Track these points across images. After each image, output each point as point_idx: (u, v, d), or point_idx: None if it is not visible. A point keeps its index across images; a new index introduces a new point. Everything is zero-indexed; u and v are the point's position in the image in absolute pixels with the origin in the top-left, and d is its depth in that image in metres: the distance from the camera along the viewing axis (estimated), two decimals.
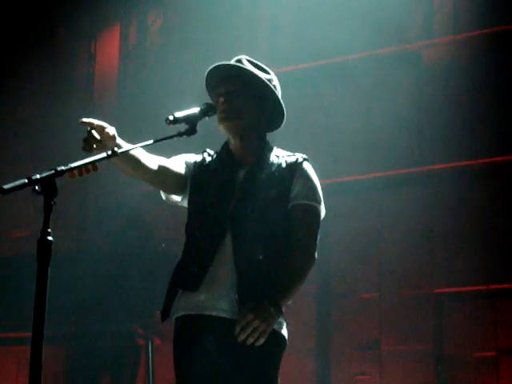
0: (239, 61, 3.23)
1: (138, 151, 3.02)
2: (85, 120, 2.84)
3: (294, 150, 3.30)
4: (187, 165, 3.24)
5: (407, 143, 6.83)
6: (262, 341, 2.88)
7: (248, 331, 2.86)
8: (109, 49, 8.53)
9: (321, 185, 3.21)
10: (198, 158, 3.28)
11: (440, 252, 6.62)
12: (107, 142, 2.84)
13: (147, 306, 6.09)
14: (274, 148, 3.26)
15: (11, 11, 8.43)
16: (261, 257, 2.99)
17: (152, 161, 3.08)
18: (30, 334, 2.37)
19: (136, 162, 3.00)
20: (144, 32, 8.53)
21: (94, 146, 2.80)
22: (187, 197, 3.23)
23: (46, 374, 2.38)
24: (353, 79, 7.13)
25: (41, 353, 2.35)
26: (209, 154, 3.27)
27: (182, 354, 3.06)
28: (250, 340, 2.87)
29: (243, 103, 3.15)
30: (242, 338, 2.87)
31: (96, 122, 2.86)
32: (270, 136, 3.34)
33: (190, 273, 3.07)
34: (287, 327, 3.10)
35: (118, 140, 2.91)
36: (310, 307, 6.78)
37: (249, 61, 3.24)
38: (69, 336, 6.58)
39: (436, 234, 6.66)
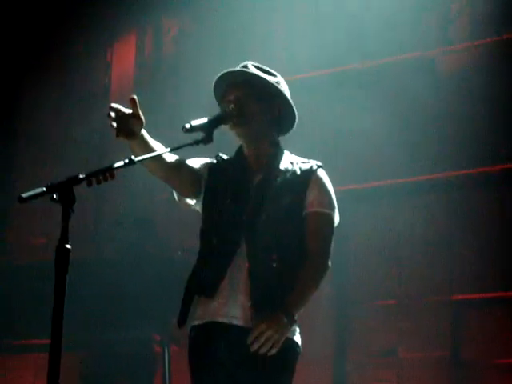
0: (245, 66, 3.24)
1: (156, 145, 3.03)
2: (113, 105, 2.91)
3: (307, 158, 3.29)
4: (202, 167, 3.24)
5: (423, 150, 6.81)
6: (274, 351, 2.88)
7: (261, 341, 2.86)
8: (125, 58, 8.55)
9: (337, 192, 3.20)
10: (211, 161, 3.28)
11: (458, 258, 6.59)
12: (135, 127, 2.92)
13: (163, 312, 6.08)
14: (288, 154, 3.25)
15: (29, 21, 8.48)
16: (275, 265, 2.99)
17: (169, 155, 3.11)
18: (46, 342, 2.38)
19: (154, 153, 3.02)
20: (160, 41, 8.55)
21: (124, 131, 2.89)
22: (201, 201, 3.23)
23: (62, 381, 2.38)
24: (368, 86, 7.11)
25: (59, 360, 2.36)
26: (222, 159, 3.27)
27: (197, 364, 3.07)
28: (263, 350, 2.86)
29: (252, 108, 3.16)
30: (254, 347, 2.86)
31: (123, 109, 2.93)
32: (282, 142, 3.33)
33: (204, 279, 3.07)
34: (300, 333, 3.09)
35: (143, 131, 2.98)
36: (327, 314, 6.76)
37: (254, 66, 3.24)
38: (85, 343, 6.59)
39: (454, 240, 6.63)
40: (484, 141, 6.69)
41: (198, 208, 3.26)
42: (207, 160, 3.28)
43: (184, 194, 3.22)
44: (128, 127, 2.93)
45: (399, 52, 7.08)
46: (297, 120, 3.28)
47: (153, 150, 3.02)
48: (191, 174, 3.19)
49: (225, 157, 3.29)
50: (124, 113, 2.93)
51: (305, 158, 3.26)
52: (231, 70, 3.21)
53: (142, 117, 2.99)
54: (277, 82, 3.19)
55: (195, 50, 8.01)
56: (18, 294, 6.65)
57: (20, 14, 8.42)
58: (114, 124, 2.89)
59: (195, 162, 3.23)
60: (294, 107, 3.23)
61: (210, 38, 7.87)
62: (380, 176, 6.98)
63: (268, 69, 3.26)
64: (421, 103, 6.87)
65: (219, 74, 3.22)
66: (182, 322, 3.12)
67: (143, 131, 3.02)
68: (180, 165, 3.16)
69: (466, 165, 6.74)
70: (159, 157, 3.04)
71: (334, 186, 3.22)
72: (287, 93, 3.24)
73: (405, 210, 6.87)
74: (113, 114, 2.90)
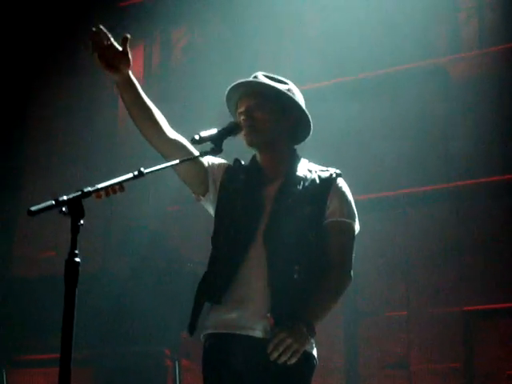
0: (256, 77, 3.22)
1: (158, 114, 3.10)
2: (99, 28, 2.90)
3: (324, 164, 3.26)
4: (217, 166, 3.20)
5: (434, 159, 6.79)
6: (293, 360, 2.85)
7: (281, 349, 2.83)
8: (133, 68, 8.54)
9: None
10: (229, 164, 3.25)
11: (469, 269, 6.55)
12: (120, 63, 2.95)
13: (174, 326, 6.06)
14: (306, 162, 3.22)
15: (39, 29, 8.51)
16: (296, 276, 2.96)
17: (170, 129, 3.14)
18: (56, 356, 2.36)
19: (151, 117, 3.11)
20: (168, 51, 8.56)
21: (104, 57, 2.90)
22: (211, 202, 3.19)
23: None
24: (379, 95, 7.10)
25: (69, 374, 2.34)
26: (240, 165, 3.24)
27: (212, 375, 3.03)
28: (283, 359, 2.83)
29: (265, 117, 3.13)
30: (274, 356, 2.83)
31: (111, 39, 2.94)
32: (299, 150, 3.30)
33: (214, 285, 3.05)
34: (316, 346, 3.07)
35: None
36: (337, 326, 6.72)
37: (265, 75, 3.22)
38: (96, 357, 6.57)
39: (464, 250, 6.60)
40: (494, 149, 6.66)
41: (209, 208, 3.23)
42: (224, 164, 3.24)
43: (189, 187, 3.21)
44: (112, 60, 2.93)
45: (409, 61, 7.07)
46: (312, 128, 3.25)
47: (141, 98, 3.09)
48: (191, 156, 3.13)
49: (242, 162, 3.26)
50: (112, 43, 2.93)
51: (323, 165, 3.22)
52: (242, 81, 3.19)
53: (131, 58, 2.99)
54: (288, 90, 3.16)
55: (203, 61, 8.01)
56: (27, 308, 6.64)
57: (29, 21, 8.45)
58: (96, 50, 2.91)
59: (211, 159, 3.20)
60: (309, 115, 3.20)
61: (219, 49, 7.87)
62: (390, 186, 6.96)
63: (279, 77, 3.24)
64: (432, 110, 6.85)
65: (230, 86, 3.20)
66: (191, 329, 3.08)
67: (131, 75, 3.01)
68: (180, 143, 3.16)
69: (475, 174, 6.71)
70: (156, 121, 3.11)
71: None
72: (301, 100, 3.21)
73: (415, 220, 6.84)
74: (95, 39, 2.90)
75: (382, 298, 6.78)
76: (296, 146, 3.28)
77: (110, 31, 2.91)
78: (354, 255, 3.11)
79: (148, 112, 3.11)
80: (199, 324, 3.09)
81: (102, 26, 2.91)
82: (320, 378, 6.33)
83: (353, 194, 3.21)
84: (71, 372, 2.33)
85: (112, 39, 2.92)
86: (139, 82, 3.10)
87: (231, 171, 3.20)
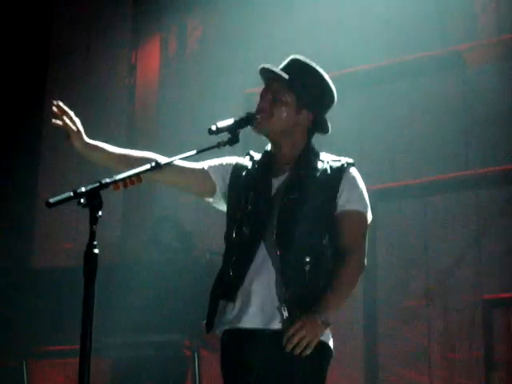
0: (291, 61, 3.17)
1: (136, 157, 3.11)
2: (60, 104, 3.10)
3: (340, 155, 3.23)
4: (221, 167, 3.19)
5: (453, 146, 6.76)
6: (308, 351, 2.84)
7: (295, 341, 2.83)
8: (149, 59, 8.56)
9: (368, 190, 3.16)
10: (237, 160, 3.23)
11: (489, 257, 6.52)
12: (73, 135, 3.06)
13: (193, 316, 6.05)
14: (319, 152, 3.19)
15: (52, 22, 8.53)
16: (307, 268, 2.95)
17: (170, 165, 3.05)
18: (75, 347, 2.37)
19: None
20: (184, 41, 8.55)
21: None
22: (223, 199, 3.19)
23: None
24: (395, 83, 7.08)
25: (89, 365, 2.35)
26: (251, 158, 3.22)
27: (229, 371, 3.04)
28: (297, 350, 2.83)
29: (280, 108, 3.10)
30: (289, 348, 2.83)
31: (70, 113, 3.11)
32: (316, 141, 3.26)
33: (228, 283, 3.05)
34: (332, 337, 3.06)
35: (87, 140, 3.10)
36: (356, 316, 6.71)
37: (298, 62, 3.16)
38: (115, 347, 6.58)
39: (484, 238, 6.57)
40: None
41: (220, 206, 3.23)
42: (232, 159, 3.23)
43: (195, 193, 3.23)
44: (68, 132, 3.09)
45: (426, 49, 7.03)
46: (329, 127, 3.19)
47: (111, 154, 3.13)
48: (195, 175, 3.15)
49: (255, 154, 3.24)
50: (65, 121, 3.11)
51: (337, 155, 3.20)
52: (265, 66, 3.14)
53: (81, 130, 3.12)
54: (312, 83, 3.09)
55: (220, 50, 8.00)
56: (47, 299, 6.67)
57: (43, 17, 8.47)
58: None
59: (211, 161, 3.20)
60: (328, 107, 3.15)
61: (234, 38, 7.86)
62: (407, 174, 6.94)
63: (312, 65, 3.15)
64: (449, 98, 6.82)
65: (259, 67, 3.16)
66: (208, 327, 3.09)
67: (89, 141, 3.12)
68: (180, 170, 3.14)
69: (495, 161, 6.67)
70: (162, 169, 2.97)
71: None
72: (325, 94, 3.15)
73: (433, 208, 6.82)
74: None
75: (401, 288, 6.77)
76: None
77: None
78: (366, 244, 3.08)
79: (127, 161, 3.08)
80: (216, 319, 3.09)
81: (60, 103, 3.12)
82: (340, 369, 6.35)
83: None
84: (91, 362, 2.34)
85: (66, 118, 3.11)
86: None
87: (240, 166, 3.19)
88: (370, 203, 3.16)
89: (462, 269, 6.57)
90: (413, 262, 6.74)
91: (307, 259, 2.95)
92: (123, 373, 7.00)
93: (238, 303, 3.01)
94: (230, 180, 3.17)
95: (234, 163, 3.22)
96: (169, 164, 2.86)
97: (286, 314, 2.91)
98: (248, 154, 3.25)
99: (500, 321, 6.46)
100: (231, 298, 3.01)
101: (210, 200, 3.22)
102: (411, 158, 6.87)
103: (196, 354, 6.24)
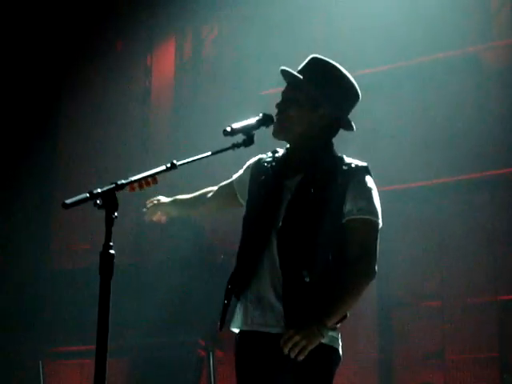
0: (310, 60, 3.13)
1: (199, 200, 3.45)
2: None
3: (355, 156, 3.18)
4: (242, 177, 3.20)
5: (467, 148, 6.74)
6: (301, 357, 2.83)
7: (289, 345, 2.82)
8: (164, 62, 8.59)
9: (381, 192, 3.09)
10: (255, 164, 3.21)
11: (503, 258, 6.50)
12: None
13: (208, 317, 6.08)
14: (336, 154, 3.13)
15: (69, 26, 8.56)
16: (307, 279, 2.92)
17: (200, 201, 3.44)
18: (92, 347, 2.37)
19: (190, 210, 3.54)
20: (199, 44, 8.58)
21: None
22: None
23: None
24: (411, 84, 7.07)
25: (105, 365, 2.35)
26: (273, 155, 3.19)
27: (242, 372, 3.06)
28: (292, 355, 2.83)
29: (297, 112, 3.07)
30: (285, 352, 2.84)
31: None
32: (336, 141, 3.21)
33: (238, 282, 3.06)
34: (342, 340, 3.03)
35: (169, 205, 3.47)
36: (371, 317, 6.71)
37: (317, 60, 3.12)
38: (131, 348, 6.61)
39: (499, 239, 6.55)
40: None
41: None
42: (252, 160, 3.23)
43: (234, 207, 3.33)
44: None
45: (441, 50, 7.02)
46: (353, 125, 3.13)
47: (189, 208, 3.49)
48: (228, 196, 3.34)
49: (280, 151, 3.19)
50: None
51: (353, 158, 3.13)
52: (283, 69, 3.12)
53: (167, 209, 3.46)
54: (328, 85, 3.03)
55: (235, 53, 8.01)
56: (64, 300, 6.70)
57: (61, 20, 8.51)
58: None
59: (239, 172, 3.26)
60: (351, 106, 3.10)
61: (249, 40, 7.87)
62: (421, 176, 6.92)
63: (333, 64, 3.09)
64: (465, 99, 6.80)
65: (280, 69, 3.13)
66: (221, 324, 3.11)
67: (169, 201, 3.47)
68: (216, 196, 3.38)
69: (509, 162, 6.66)
70: (199, 203, 3.44)
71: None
72: (345, 92, 3.09)
73: (449, 210, 6.81)
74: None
75: (416, 289, 6.76)
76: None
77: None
78: (377, 250, 3.01)
79: (198, 208, 3.49)
80: (231, 318, 3.11)
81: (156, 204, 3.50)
82: (354, 370, 6.35)
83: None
84: (107, 363, 2.35)
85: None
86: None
87: (261, 165, 3.17)
88: (384, 204, 3.09)
89: (476, 270, 6.55)
90: (428, 263, 6.73)
91: (305, 271, 2.91)
92: (139, 373, 7.03)
93: (246, 304, 3.02)
94: (249, 182, 3.18)
95: (250, 168, 3.21)
96: (184, 164, 2.84)
97: (284, 320, 2.91)
98: (274, 151, 3.21)
99: None
100: (239, 298, 3.03)
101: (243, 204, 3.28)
102: (424, 159, 6.85)
103: (211, 354, 6.27)
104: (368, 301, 6.25)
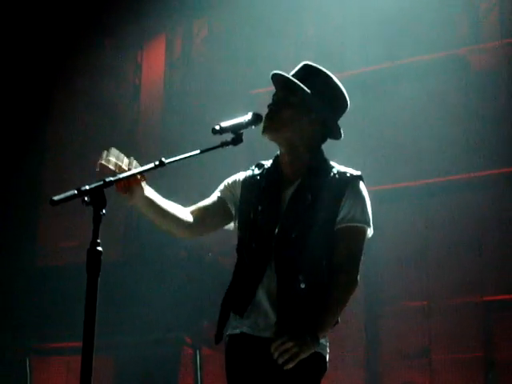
0: (303, 67, 3.14)
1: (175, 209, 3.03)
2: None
3: (343, 157, 3.19)
4: (231, 189, 3.16)
5: (455, 149, 6.77)
6: (290, 365, 2.83)
7: (280, 350, 2.83)
8: (155, 59, 8.59)
9: (368, 192, 3.11)
10: (245, 176, 3.18)
11: (489, 259, 6.53)
12: (134, 186, 2.80)
13: (195, 315, 6.09)
14: (328, 162, 3.13)
15: (58, 23, 8.55)
16: (302, 286, 2.94)
17: (188, 217, 3.07)
18: (78, 344, 2.37)
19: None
20: (189, 42, 8.58)
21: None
22: (236, 220, 3.17)
23: (94, 382, 2.39)
24: (399, 85, 7.09)
25: (91, 362, 2.35)
26: (259, 168, 3.19)
27: (231, 375, 3.06)
28: (280, 360, 2.83)
29: (288, 114, 3.07)
30: (275, 356, 2.84)
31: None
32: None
33: (238, 296, 3.05)
34: (329, 347, 3.05)
35: (147, 192, 2.88)
36: (358, 317, 6.73)
37: (310, 67, 3.13)
38: (117, 345, 6.61)
39: (485, 240, 6.58)
40: None
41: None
42: (240, 176, 3.19)
43: (223, 226, 3.19)
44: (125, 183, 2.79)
45: (430, 51, 7.04)
46: (341, 132, 3.13)
47: (162, 209, 2.98)
48: (217, 212, 3.14)
49: (264, 163, 3.20)
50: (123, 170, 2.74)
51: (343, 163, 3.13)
52: (275, 72, 3.11)
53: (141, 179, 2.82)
54: (319, 92, 3.04)
55: (225, 51, 8.02)
56: (50, 297, 6.69)
57: (49, 18, 8.49)
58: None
59: (224, 185, 3.19)
60: (340, 112, 3.12)
61: (240, 39, 7.87)
62: (408, 177, 6.94)
63: (323, 70, 3.10)
64: (453, 100, 6.83)
65: (270, 74, 3.13)
66: (218, 339, 3.10)
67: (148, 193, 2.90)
68: (202, 216, 3.12)
69: (496, 164, 6.68)
70: (181, 223, 3.03)
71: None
72: (336, 99, 3.10)
73: (436, 210, 6.83)
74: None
75: (402, 288, 6.78)
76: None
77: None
78: (361, 259, 3.03)
79: (171, 216, 3.02)
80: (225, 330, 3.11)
81: (111, 159, 2.77)
82: (341, 370, 6.36)
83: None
84: (93, 360, 2.35)
85: (121, 163, 2.75)
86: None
87: (249, 180, 3.15)
88: (372, 204, 3.11)
89: (462, 270, 6.58)
90: (414, 264, 6.75)
91: (301, 277, 2.92)
92: (125, 370, 7.03)
93: (245, 313, 3.03)
94: (240, 197, 3.14)
95: (241, 182, 3.16)
96: (172, 162, 2.81)
97: (277, 330, 2.91)
98: (257, 164, 3.20)
99: (500, 322, 6.48)
100: (240, 313, 3.02)
101: (231, 226, 3.20)
102: (410, 160, 6.88)
103: (198, 352, 6.28)
104: (355, 301, 6.27)
